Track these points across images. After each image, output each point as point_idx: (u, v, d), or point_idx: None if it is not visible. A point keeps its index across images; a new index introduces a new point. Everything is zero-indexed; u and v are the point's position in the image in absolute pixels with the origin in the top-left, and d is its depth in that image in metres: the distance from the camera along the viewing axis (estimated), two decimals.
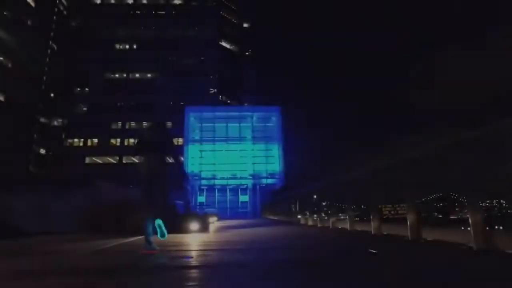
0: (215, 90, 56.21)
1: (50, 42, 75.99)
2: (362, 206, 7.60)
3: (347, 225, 7.54)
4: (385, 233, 5.89)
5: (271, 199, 24.91)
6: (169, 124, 50.70)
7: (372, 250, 3.89)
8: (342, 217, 8.55)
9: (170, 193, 4.65)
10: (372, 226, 6.09)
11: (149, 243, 4.10)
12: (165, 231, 4.30)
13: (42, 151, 71.65)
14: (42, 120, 71.58)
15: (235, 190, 36.57)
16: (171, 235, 7.28)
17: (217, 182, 36.23)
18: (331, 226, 8.50)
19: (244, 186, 36.54)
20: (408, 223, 4.85)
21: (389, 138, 5.70)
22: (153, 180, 4.25)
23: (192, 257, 3.84)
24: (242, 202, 36.13)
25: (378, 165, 6.08)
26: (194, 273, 2.90)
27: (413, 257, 3.51)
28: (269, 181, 36.40)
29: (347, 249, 4.28)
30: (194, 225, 8.61)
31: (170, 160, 4.66)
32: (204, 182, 35.89)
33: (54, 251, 4.57)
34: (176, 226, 8.69)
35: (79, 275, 2.84)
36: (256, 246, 4.96)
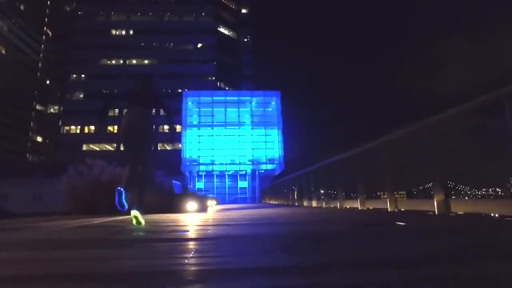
0: (213, 76, 55.36)
1: (45, 28, 74.42)
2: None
3: (356, 204, 7.00)
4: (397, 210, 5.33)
5: (270, 185, 24.44)
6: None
7: (399, 223, 3.33)
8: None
9: (154, 159, 4.03)
10: (388, 204, 5.53)
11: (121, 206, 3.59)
12: (125, 203, 3.67)
13: (39, 138, 70.95)
14: (39, 107, 70.65)
15: (234, 176, 36.04)
16: (167, 215, 6.76)
17: (215, 167, 35.62)
18: (339, 206, 7.95)
19: (243, 172, 35.97)
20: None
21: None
22: (136, 140, 3.65)
23: (188, 231, 3.27)
24: (241, 188, 35.62)
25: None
26: (188, 245, 2.31)
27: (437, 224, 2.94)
28: (269, 166, 35.83)
29: (369, 223, 3.70)
30: (192, 205, 8.07)
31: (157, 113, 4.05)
32: (202, 167, 35.32)
33: (29, 227, 4.00)
34: (173, 205, 8.22)
35: (44, 248, 2.27)
36: (263, 222, 4.39)
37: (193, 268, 1.51)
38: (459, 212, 3.99)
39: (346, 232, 2.95)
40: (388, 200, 5.50)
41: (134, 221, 3.68)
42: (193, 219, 5.14)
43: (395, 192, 5.71)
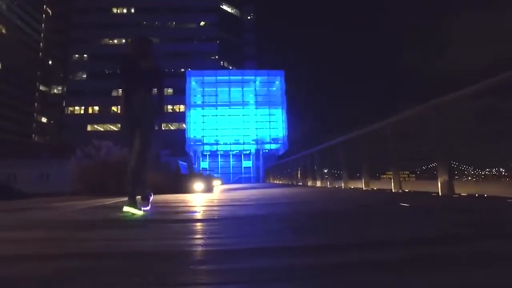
0: (216, 55, 54.76)
1: (44, 7, 73.36)
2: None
3: (360, 185, 7.07)
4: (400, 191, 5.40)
5: (274, 164, 24.60)
6: (170, 90, 49.94)
7: (403, 204, 3.40)
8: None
9: (155, 140, 3.51)
10: (392, 184, 5.60)
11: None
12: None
13: (44, 119, 71.30)
14: (42, 88, 70.63)
15: (238, 156, 36.27)
16: (175, 195, 6.89)
17: (219, 147, 35.82)
18: (343, 186, 8.04)
19: (247, 152, 36.18)
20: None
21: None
22: (136, 121, 3.22)
23: (197, 212, 3.36)
24: (245, 168, 35.92)
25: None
26: (199, 226, 2.40)
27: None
28: (273, 146, 35.98)
29: (375, 203, 3.78)
30: (198, 186, 8.20)
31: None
32: (206, 147, 35.52)
33: (46, 208, 4.12)
34: (180, 186, 8.35)
35: (61, 227, 2.36)
36: (270, 202, 4.48)
37: (206, 248, 1.58)
38: (462, 194, 4.04)
39: (351, 212, 3.03)
40: (392, 181, 5.57)
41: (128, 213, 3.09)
42: (201, 200, 5.25)
43: (400, 172, 5.77)
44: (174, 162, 10.52)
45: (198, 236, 1.97)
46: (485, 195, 3.77)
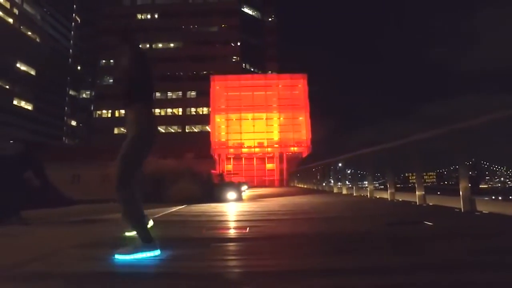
0: (238, 58, 55.53)
1: (74, 15, 76.48)
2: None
3: (386, 195, 7.43)
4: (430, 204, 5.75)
5: (298, 168, 24.95)
6: (193, 93, 51.08)
7: (427, 222, 3.80)
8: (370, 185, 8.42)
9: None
10: (417, 198, 5.96)
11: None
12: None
13: (74, 123, 74.38)
14: (72, 93, 73.71)
15: (262, 159, 36.85)
16: (213, 205, 7.44)
17: (244, 150, 36.57)
18: (369, 196, 8.41)
19: (271, 155, 36.70)
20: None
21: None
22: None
23: (246, 230, 3.87)
24: (268, 170, 36.45)
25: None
26: (253, 246, 2.91)
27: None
28: (296, 149, 36.37)
29: (401, 221, 4.19)
30: (231, 195, 8.74)
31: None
32: (231, 150, 36.32)
33: (111, 219, 4.75)
34: (213, 195, 8.89)
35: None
36: (306, 217, 4.96)
37: (268, 269, 2.08)
38: (483, 211, 4.40)
39: (382, 234, 3.46)
40: (416, 194, 5.93)
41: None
42: (239, 212, 5.77)
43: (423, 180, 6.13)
44: (205, 172, 11.11)
45: (256, 256, 2.48)
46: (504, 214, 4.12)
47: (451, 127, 4.75)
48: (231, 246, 2.95)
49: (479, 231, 3.35)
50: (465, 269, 1.98)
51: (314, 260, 2.31)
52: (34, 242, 3.41)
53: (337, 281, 1.81)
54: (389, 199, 7.18)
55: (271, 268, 2.15)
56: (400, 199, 6.92)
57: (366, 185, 8.93)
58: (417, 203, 5.87)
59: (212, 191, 9.08)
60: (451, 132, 4.76)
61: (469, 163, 5.76)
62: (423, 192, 5.89)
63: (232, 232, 3.72)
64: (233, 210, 6.20)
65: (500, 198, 4.65)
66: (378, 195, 8.18)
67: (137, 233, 2.48)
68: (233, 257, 2.49)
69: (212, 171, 11.78)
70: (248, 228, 3.87)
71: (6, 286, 1.87)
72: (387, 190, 7.35)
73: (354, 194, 9.56)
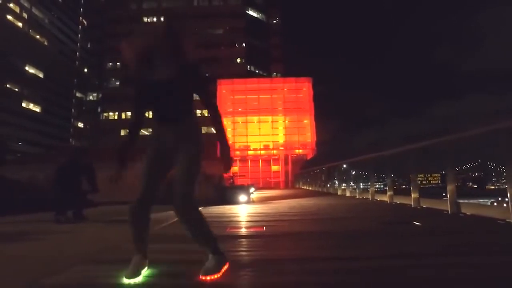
0: (243, 60, 56.37)
1: (80, 18, 77.78)
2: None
3: (385, 198, 8.12)
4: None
5: (303, 170, 25.65)
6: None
7: (416, 222, 4.49)
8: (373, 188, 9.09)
9: None
10: (412, 201, 6.65)
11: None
12: None
13: (80, 125, 75.62)
14: (78, 95, 74.96)
15: (267, 161, 37.68)
16: (227, 207, 8.13)
17: (249, 152, 37.44)
18: (370, 198, 9.10)
19: (276, 157, 37.52)
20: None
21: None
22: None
23: (263, 228, 4.59)
24: (274, 172, 37.24)
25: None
26: (272, 240, 3.63)
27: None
28: (301, 151, 37.18)
29: (394, 221, 4.89)
30: (242, 197, 9.44)
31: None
32: (237, 153, 37.14)
33: None
34: (224, 197, 9.60)
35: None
36: (315, 218, 5.67)
37: (285, 257, 2.80)
38: (467, 213, 5.10)
39: (379, 231, 4.17)
40: (412, 198, 6.63)
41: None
42: (253, 214, 6.49)
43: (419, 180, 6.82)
44: (216, 173, 11.82)
45: (284, 250, 3.19)
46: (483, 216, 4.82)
47: (439, 139, 5.44)
48: (255, 241, 3.67)
49: (456, 230, 4.06)
50: (436, 256, 2.69)
51: (321, 252, 3.03)
52: (95, 236, 4.19)
53: (337, 265, 2.52)
54: (388, 201, 7.88)
55: (287, 256, 2.88)
56: (398, 202, 7.61)
57: (369, 187, 9.61)
58: (412, 206, 6.57)
59: (225, 193, 9.77)
60: (438, 143, 5.46)
61: (475, 164, 6.42)
62: (418, 196, 6.58)
63: (252, 230, 4.44)
64: (247, 211, 6.93)
65: (481, 201, 5.29)
66: (378, 197, 8.87)
67: (211, 247, 2.26)
68: (257, 250, 3.21)
69: (224, 174, 12.47)
70: (265, 227, 4.59)
71: (91, 268, 2.59)
72: (387, 195, 8.06)
73: (357, 197, 10.24)
